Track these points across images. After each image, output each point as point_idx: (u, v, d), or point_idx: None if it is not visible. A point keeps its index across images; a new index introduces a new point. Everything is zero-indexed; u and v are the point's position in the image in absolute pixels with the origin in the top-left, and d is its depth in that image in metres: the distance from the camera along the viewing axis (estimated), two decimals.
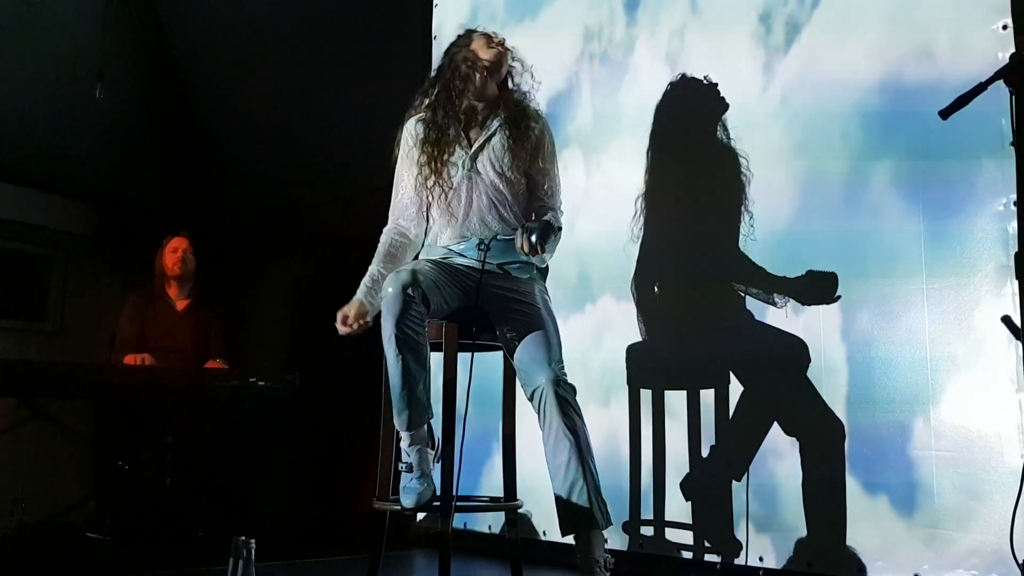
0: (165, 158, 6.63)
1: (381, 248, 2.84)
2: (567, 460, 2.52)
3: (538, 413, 2.58)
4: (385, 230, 2.87)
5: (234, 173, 6.67)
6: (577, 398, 2.60)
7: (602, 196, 3.75)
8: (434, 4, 4.63)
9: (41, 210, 6.23)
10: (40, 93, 5.82)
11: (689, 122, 3.52)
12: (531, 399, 2.59)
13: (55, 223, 6.33)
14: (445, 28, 4.38)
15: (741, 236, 3.23)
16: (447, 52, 2.87)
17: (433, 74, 2.86)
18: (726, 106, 3.34)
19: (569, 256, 3.64)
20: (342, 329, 2.72)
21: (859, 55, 3.00)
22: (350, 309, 2.71)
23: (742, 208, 3.25)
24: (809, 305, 3.04)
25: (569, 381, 2.60)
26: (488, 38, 2.81)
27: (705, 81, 3.41)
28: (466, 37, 2.86)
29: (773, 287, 3.14)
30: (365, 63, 5.20)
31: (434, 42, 4.46)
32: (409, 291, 2.49)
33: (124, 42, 6.08)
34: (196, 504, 4.21)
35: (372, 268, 2.81)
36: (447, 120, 2.75)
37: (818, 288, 3.01)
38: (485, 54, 2.77)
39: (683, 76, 3.49)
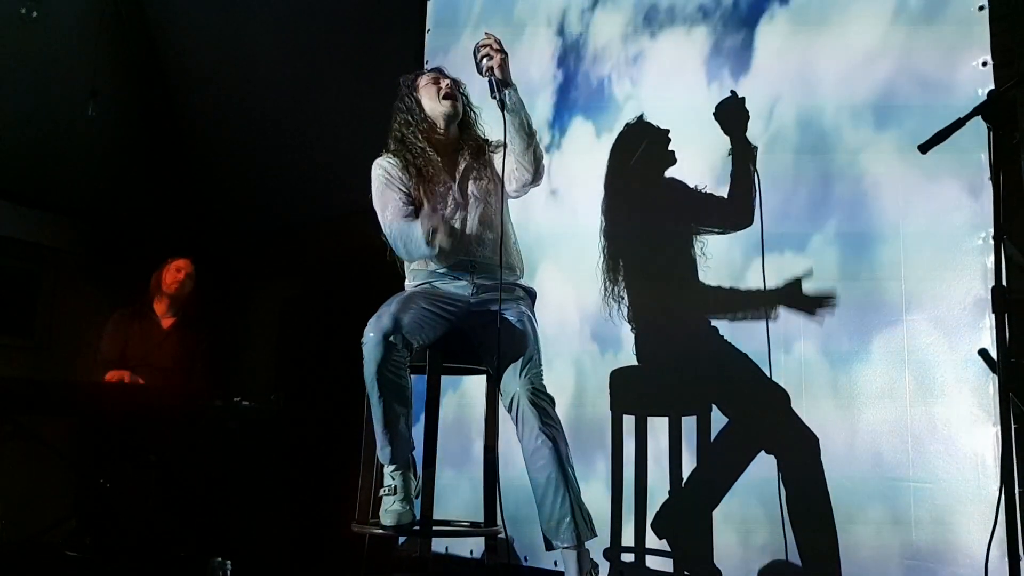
0: (155, 177, 6.65)
1: (406, 222, 2.68)
2: (547, 472, 2.55)
3: (516, 423, 2.60)
4: (395, 227, 2.71)
5: (224, 193, 6.69)
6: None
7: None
8: (426, 30, 4.68)
9: (29, 226, 6.25)
10: (32, 110, 5.84)
11: (631, 179, 3.58)
12: (509, 409, 2.61)
13: (43, 239, 6.34)
14: (435, 61, 4.40)
15: (697, 262, 3.30)
16: (396, 110, 2.87)
17: (391, 134, 2.87)
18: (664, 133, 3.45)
19: (555, 282, 3.67)
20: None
21: (841, 87, 3.03)
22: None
23: (692, 237, 3.32)
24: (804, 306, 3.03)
25: (548, 392, 2.63)
26: (437, 84, 2.83)
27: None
28: (410, 89, 2.87)
29: (762, 301, 3.14)
30: (356, 85, 5.24)
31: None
32: (391, 339, 2.52)
33: (117, 61, 6.11)
34: (178, 524, 4.19)
35: (409, 226, 2.67)
36: (425, 155, 2.79)
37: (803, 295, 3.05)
38: (439, 109, 2.81)
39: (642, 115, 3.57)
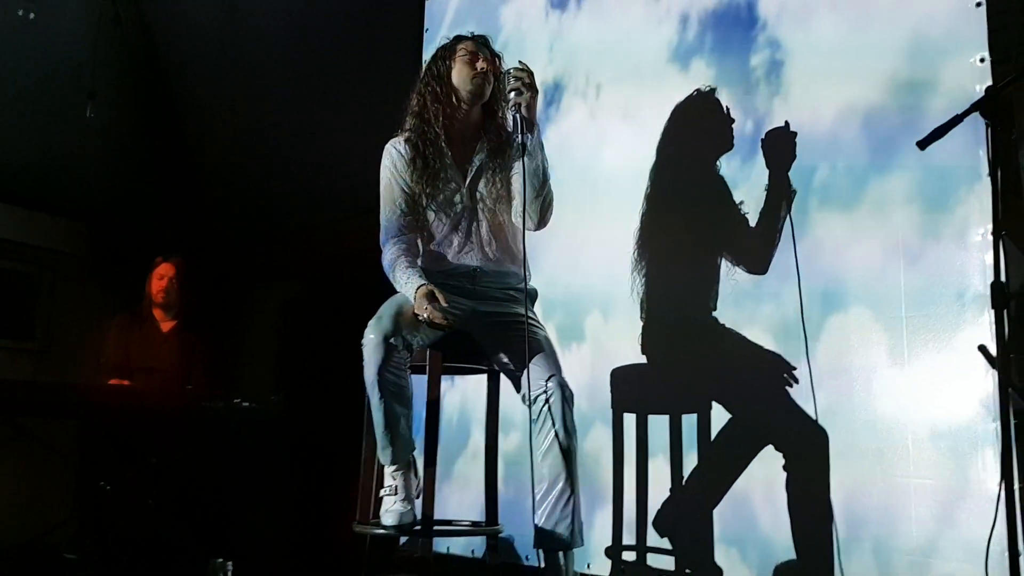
0: (155, 178, 6.65)
1: (403, 261, 2.64)
2: (557, 471, 2.54)
3: (538, 416, 2.58)
4: (390, 252, 2.69)
5: (224, 194, 6.68)
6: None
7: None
8: (424, 29, 4.68)
9: (30, 228, 6.24)
10: (31, 111, 5.83)
11: (684, 154, 3.52)
12: (534, 402, 2.59)
13: (43, 242, 6.33)
14: None
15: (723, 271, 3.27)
16: (428, 71, 2.79)
17: (414, 96, 2.80)
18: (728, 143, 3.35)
19: (559, 281, 3.68)
20: (436, 316, 2.47)
21: (839, 85, 3.03)
22: (437, 296, 2.50)
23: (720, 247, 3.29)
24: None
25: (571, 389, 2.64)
26: (471, 64, 2.72)
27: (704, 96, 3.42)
28: (448, 54, 2.77)
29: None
30: (356, 86, 5.24)
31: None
32: (391, 340, 2.50)
33: (116, 61, 6.10)
34: (179, 525, 4.19)
35: (404, 273, 2.63)
36: (438, 145, 2.72)
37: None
38: (467, 86, 2.72)
39: (683, 103, 3.49)
